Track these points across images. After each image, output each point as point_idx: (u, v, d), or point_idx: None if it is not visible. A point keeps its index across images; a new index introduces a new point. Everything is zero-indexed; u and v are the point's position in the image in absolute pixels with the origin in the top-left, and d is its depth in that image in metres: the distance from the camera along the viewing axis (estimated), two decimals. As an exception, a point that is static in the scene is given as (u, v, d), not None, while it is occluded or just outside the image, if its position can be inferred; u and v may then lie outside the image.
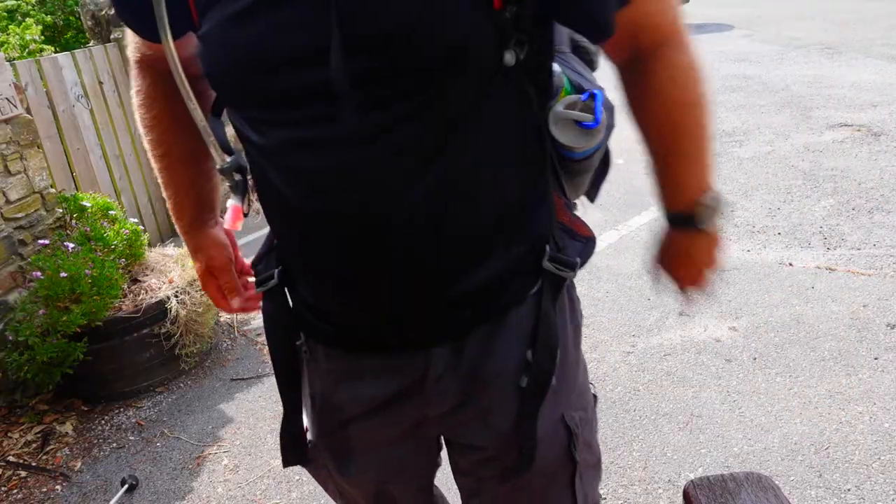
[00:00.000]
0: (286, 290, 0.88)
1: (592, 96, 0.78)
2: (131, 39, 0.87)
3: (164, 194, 0.94)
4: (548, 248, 0.83)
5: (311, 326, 0.88)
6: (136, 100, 0.90)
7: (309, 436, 0.96)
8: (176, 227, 0.96)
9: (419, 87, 0.67)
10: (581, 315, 0.93)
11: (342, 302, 0.81)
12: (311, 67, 0.66)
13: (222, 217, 0.98)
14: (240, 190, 0.80)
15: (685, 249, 0.89)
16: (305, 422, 0.97)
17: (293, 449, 0.94)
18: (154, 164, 0.92)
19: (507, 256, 0.80)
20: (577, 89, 0.82)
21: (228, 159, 0.79)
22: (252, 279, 0.92)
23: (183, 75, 0.74)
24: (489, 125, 0.73)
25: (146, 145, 0.92)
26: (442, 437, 0.97)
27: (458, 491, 1.01)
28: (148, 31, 0.78)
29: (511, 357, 0.83)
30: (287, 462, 0.95)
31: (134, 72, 0.89)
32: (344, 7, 0.64)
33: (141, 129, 0.91)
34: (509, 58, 0.69)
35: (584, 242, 0.87)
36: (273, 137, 0.72)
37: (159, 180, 0.93)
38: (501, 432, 0.86)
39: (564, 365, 0.86)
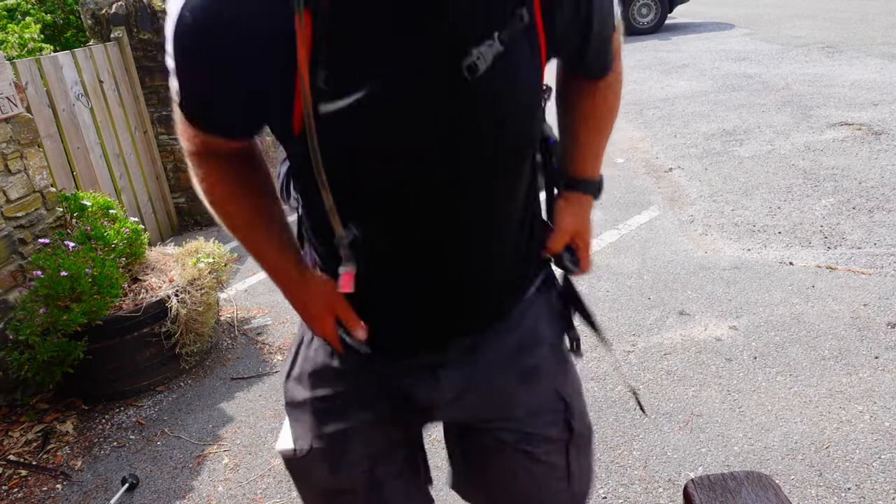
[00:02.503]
0: None
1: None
2: (191, 135, 0.85)
3: (260, 262, 0.96)
4: (555, 271, 1.05)
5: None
6: (203, 184, 0.90)
7: (299, 445, 1.04)
8: (283, 287, 0.97)
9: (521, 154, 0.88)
10: (573, 308, 1.11)
11: (412, 314, 0.94)
12: (440, 157, 0.79)
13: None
14: (352, 259, 0.85)
15: (586, 211, 1.05)
16: (289, 442, 1.05)
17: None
18: (238, 234, 0.94)
19: (521, 269, 1.00)
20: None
21: (345, 232, 0.83)
22: None
23: (322, 166, 0.77)
24: (527, 173, 0.93)
25: (222, 218, 0.93)
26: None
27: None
28: (231, 129, 0.84)
29: (508, 347, 1.00)
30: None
31: (193, 160, 0.89)
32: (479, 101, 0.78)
33: (214, 205, 0.92)
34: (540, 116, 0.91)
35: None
36: (387, 207, 0.84)
37: (250, 250, 0.95)
38: (504, 405, 1.03)
39: (558, 350, 1.07)
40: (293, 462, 1.07)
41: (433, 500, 1.16)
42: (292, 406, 1.06)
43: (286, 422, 1.07)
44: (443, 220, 0.86)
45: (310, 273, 0.95)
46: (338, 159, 0.78)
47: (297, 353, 1.05)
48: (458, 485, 1.17)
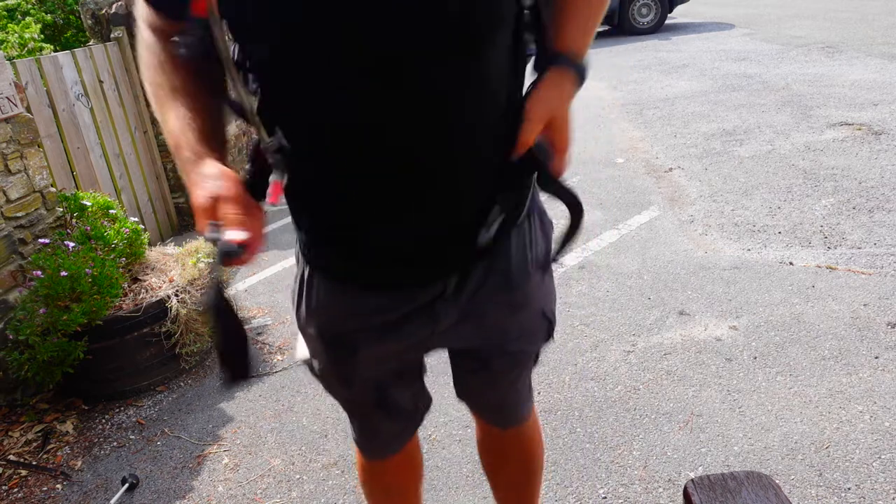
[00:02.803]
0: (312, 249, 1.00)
1: None
2: (146, 15, 0.88)
3: (166, 127, 0.88)
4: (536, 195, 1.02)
5: (336, 270, 0.99)
6: (144, 53, 0.90)
7: (315, 364, 1.09)
8: (177, 156, 0.86)
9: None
10: (552, 227, 1.10)
11: (399, 236, 0.91)
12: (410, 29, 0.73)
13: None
14: (280, 166, 0.81)
15: (564, 95, 0.89)
16: (307, 353, 1.10)
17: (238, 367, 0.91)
18: (158, 103, 0.89)
19: (505, 188, 0.94)
20: None
21: (270, 139, 0.81)
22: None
23: (232, 62, 0.76)
24: (502, 62, 0.85)
25: (150, 87, 0.89)
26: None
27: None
28: (164, 4, 0.85)
29: (499, 284, 1.01)
30: (234, 378, 0.91)
31: (146, 41, 0.90)
32: None
33: (148, 72, 0.90)
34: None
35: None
36: (348, 92, 0.78)
37: (162, 117, 0.89)
38: (497, 336, 1.08)
39: (544, 271, 1.08)
40: (312, 372, 1.13)
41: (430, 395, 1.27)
42: (304, 333, 1.09)
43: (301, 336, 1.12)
44: (380, 123, 0.78)
45: (209, 161, 0.84)
46: (271, 54, 0.76)
47: (300, 289, 1.05)
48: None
